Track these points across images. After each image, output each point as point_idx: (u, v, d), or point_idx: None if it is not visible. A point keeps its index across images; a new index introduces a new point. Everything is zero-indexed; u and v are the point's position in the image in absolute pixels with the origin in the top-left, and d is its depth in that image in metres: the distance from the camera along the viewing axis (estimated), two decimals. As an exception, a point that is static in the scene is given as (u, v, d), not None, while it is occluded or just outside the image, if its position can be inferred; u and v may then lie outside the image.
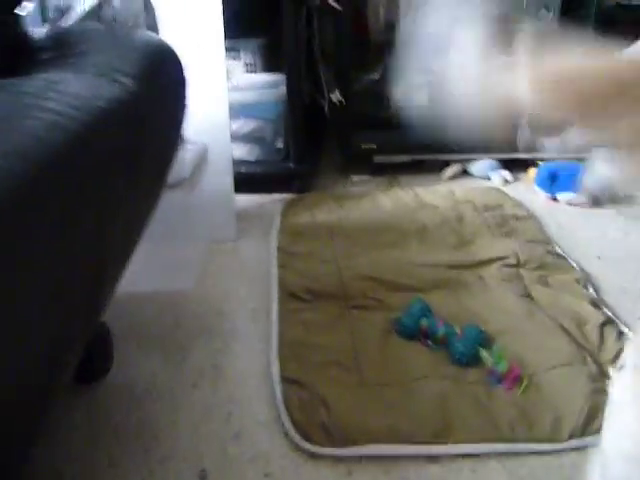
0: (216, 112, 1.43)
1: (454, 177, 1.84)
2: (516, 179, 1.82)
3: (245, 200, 1.74)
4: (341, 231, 1.49)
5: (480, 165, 1.83)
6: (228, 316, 1.25)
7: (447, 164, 1.85)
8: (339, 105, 1.74)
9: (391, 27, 1.73)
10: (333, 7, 1.60)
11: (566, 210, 1.62)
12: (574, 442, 0.89)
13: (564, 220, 1.58)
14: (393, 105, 1.77)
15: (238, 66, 1.85)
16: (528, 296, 1.21)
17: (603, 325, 1.11)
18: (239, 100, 1.71)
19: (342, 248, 1.41)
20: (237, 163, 1.76)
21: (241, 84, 1.75)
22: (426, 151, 1.82)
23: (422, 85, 0.59)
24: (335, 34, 1.73)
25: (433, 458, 0.89)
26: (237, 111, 1.72)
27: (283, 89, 1.69)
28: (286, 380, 1.00)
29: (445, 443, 0.89)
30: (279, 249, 1.41)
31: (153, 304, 1.28)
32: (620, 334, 1.10)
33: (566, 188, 1.62)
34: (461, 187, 1.73)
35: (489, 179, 1.82)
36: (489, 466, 0.88)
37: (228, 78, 1.53)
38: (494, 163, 1.82)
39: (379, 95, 1.80)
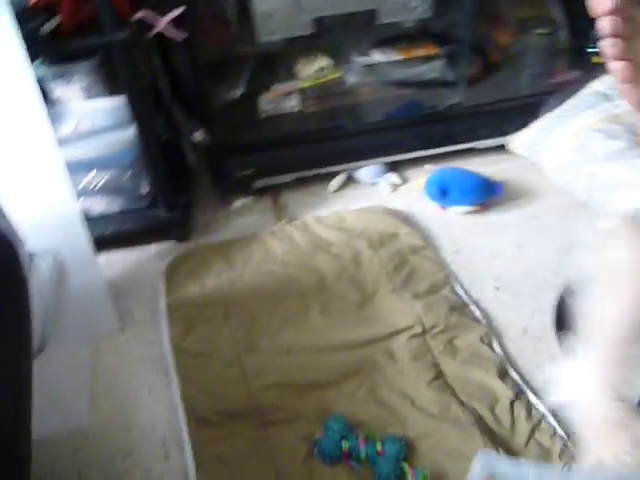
0: (57, 200, 1.19)
1: (341, 188, 1.73)
2: (405, 181, 1.74)
3: (119, 262, 1.54)
4: (236, 304, 1.38)
5: (366, 171, 1.72)
6: (137, 457, 1.14)
7: (333, 175, 1.72)
8: (204, 141, 1.51)
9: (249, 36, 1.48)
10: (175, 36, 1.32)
11: (459, 223, 1.59)
12: None
13: (458, 236, 1.55)
14: (262, 115, 1.60)
15: (74, 92, 1.53)
16: (439, 375, 1.20)
17: (512, 402, 1.15)
18: (83, 153, 1.44)
19: (242, 332, 1.31)
20: (99, 220, 1.54)
21: (82, 130, 1.47)
22: (307, 166, 1.68)
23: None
24: (185, 61, 1.46)
25: None
26: (85, 165, 1.46)
27: (133, 129, 1.44)
28: None
29: None
30: (174, 347, 1.29)
31: (50, 454, 1.15)
32: (529, 409, 1.14)
33: (457, 202, 1.57)
34: (351, 211, 1.63)
35: (377, 184, 1.73)
36: None
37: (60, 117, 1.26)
38: (380, 168, 1.72)
39: (247, 112, 1.60)
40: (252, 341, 1.29)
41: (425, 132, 1.70)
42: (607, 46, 0.61)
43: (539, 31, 1.69)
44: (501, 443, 1.09)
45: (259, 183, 1.66)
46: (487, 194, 1.59)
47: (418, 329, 1.28)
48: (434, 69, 1.69)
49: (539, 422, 1.12)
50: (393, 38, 1.68)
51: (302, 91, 1.65)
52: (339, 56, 1.67)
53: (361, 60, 1.68)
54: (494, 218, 1.60)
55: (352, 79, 1.68)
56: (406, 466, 1.05)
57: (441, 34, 1.69)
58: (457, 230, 1.57)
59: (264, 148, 1.60)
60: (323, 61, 1.65)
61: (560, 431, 1.09)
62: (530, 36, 1.71)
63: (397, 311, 1.33)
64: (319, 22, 1.47)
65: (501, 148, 1.61)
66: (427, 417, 1.13)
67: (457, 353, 1.25)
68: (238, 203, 1.70)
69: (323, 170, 1.70)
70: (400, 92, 1.72)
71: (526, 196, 1.65)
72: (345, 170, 1.72)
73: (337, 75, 1.66)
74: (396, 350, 1.26)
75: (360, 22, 1.50)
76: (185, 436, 1.12)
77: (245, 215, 1.67)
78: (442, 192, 1.58)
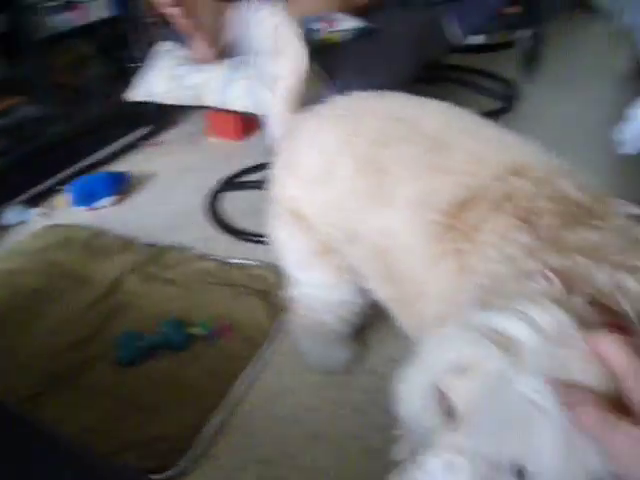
0: None
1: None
2: (52, 208, 2.01)
3: None
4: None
5: (12, 213, 1.91)
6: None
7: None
8: None
9: None
10: None
11: (116, 214, 1.98)
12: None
13: (129, 219, 1.94)
14: None
15: None
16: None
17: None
18: None
19: None
20: None
21: None
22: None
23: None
24: None
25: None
26: None
27: None
28: None
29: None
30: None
31: None
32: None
33: (100, 198, 1.96)
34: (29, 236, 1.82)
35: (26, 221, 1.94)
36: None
37: None
38: (22, 206, 1.94)
39: None
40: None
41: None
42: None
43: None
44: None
45: None
46: (120, 184, 2.02)
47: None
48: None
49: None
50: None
51: None
52: None
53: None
54: (135, 197, 2.06)
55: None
56: (190, 328, 1.42)
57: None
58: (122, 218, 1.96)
59: None
60: None
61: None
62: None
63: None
64: None
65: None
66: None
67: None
68: None
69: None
70: None
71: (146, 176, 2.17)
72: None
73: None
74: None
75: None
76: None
77: None
78: (84, 197, 1.94)
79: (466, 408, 0.52)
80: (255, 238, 1.81)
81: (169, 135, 2.47)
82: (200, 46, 1.43)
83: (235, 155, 2.32)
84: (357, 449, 1.21)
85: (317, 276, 1.10)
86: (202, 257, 1.72)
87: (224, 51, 1.48)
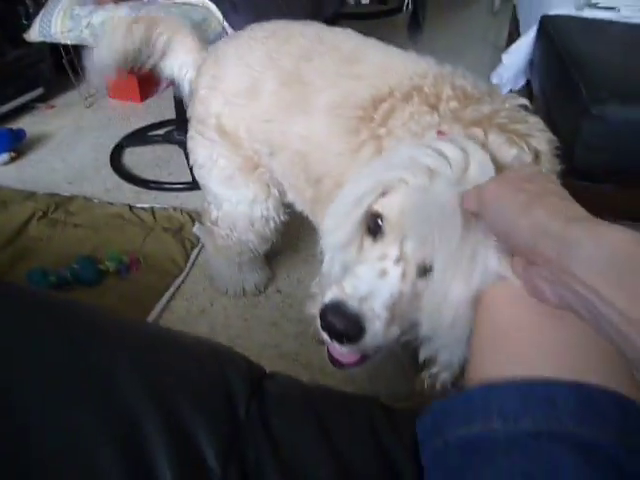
0: None
1: None
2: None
3: None
4: None
5: None
6: None
7: None
8: None
9: None
10: None
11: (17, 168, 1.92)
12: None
13: (30, 176, 1.89)
14: None
15: None
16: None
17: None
18: None
19: None
20: None
21: None
22: None
23: None
24: None
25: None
26: None
27: None
28: None
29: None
30: None
31: None
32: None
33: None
34: None
35: None
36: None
37: None
38: None
39: None
40: None
41: None
42: None
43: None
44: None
45: None
46: (15, 140, 1.96)
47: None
48: None
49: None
50: None
51: None
52: None
53: None
54: (32, 155, 2.01)
55: None
56: (102, 265, 1.44)
57: None
58: (19, 174, 1.90)
59: None
60: None
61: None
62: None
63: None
64: None
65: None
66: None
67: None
68: None
69: None
70: None
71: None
72: None
73: None
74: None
75: None
76: None
77: None
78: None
79: (394, 219, 0.61)
80: (161, 186, 1.84)
81: (66, 98, 2.41)
82: (99, -15, 1.45)
83: (135, 115, 2.32)
84: (273, 355, 1.30)
85: (243, 192, 1.15)
86: (107, 204, 1.72)
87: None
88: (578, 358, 0.46)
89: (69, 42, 1.52)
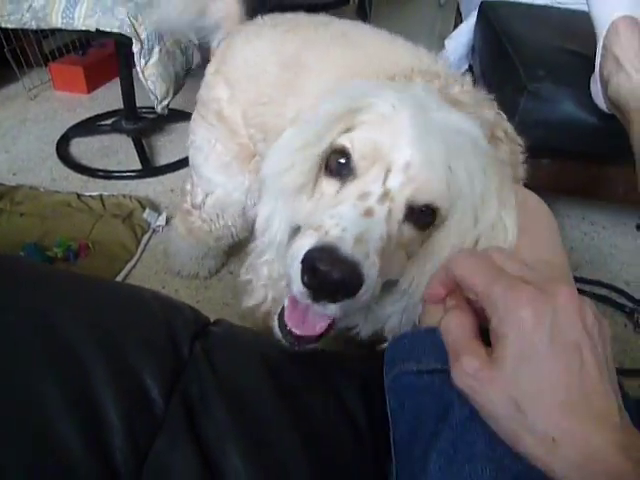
0: None
1: None
2: None
3: None
4: None
5: None
6: None
7: None
8: None
9: None
10: None
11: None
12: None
13: None
14: None
15: None
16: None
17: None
18: None
19: None
20: None
21: None
22: None
23: None
24: None
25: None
26: None
27: None
28: None
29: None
30: None
31: None
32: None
33: None
34: None
35: None
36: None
37: None
38: None
39: None
40: None
41: None
42: None
43: None
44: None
45: None
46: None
47: None
48: None
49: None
50: None
51: None
52: None
53: None
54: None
55: None
56: (49, 252, 1.42)
57: None
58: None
59: None
60: None
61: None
62: None
63: None
64: None
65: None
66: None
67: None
68: None
69: None
70: None
71: None
72: None
73: None
74: None
75: None
76: None
77: None
78: None
79: (371, 152, 0.54)
80: (109, 175, 1.82)
81: (8, 90, 2.35)
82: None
83: (81, 107, 2.28)
84: (225, 334, 1.30)
85: (239, 180, 1.13)
86: (54, 193, 1.69)
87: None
88: None
89: (9, 26, 1.48)
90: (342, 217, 0.50)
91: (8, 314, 0.47)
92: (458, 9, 2.47)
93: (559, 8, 1.70)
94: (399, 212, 0.54)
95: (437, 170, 0.53)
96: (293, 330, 0.56)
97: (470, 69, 1.92)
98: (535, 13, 1.66)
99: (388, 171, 0.53)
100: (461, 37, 1.84)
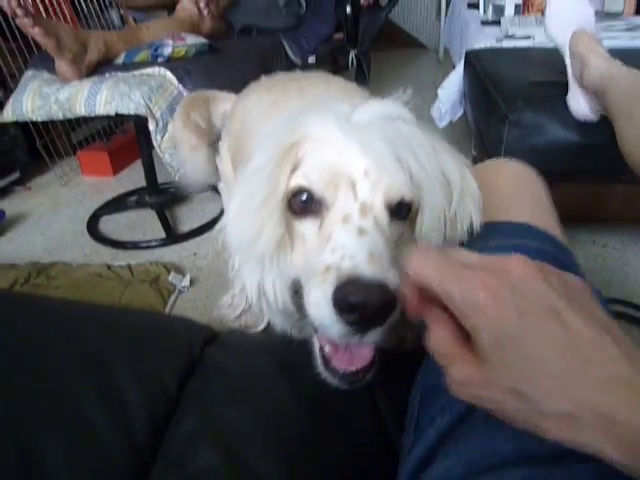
0: None
1: None
2: None
3: None
4: None
5: None
6: None
7: None
8: None
9: None
10: None
11: None
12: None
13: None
14: None
15: None
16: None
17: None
18: None
19: None
20: None
21: None
22: None
23: None
24: None
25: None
26: None
27: None
28: None
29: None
30: None
31: None
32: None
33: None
34: None
35: None
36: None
37: None
38: None
39: None
40: None
41: None
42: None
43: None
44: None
45: None
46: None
47: None
48: None
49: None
50: None
51: None
52: None
53: None
54: (10, 233, 2.11)
55: None
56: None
57: None
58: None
59: None
60: None
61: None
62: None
63: None
64: None
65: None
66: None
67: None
68: None
69: None
70: None
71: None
72: None
73: None
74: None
75: None
76: None
77: None
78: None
79: (328, 176, 0.54)
80: (136, 245, 1.94)
81: (42, 179, 2.55)
82: (64, 65, 1.61)
83: (108, 188, 2.45)
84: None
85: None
86: (86, 265, 1.81)
87: (88, 69, 1.67)
88: None
89: (39, 119, 1.65)
90: (343, 246, 0.50)
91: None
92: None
93: (539, 48, 1.81)
94: (383, 217, 0.54)
95: (392, 165, 0.54)
96: (348, 369, 0.54)
97: (465, 115, 2.03)
98: (515, 54, 1.79)
99: (353, 185, 0.54)
100: (452, 85, 1.97)
